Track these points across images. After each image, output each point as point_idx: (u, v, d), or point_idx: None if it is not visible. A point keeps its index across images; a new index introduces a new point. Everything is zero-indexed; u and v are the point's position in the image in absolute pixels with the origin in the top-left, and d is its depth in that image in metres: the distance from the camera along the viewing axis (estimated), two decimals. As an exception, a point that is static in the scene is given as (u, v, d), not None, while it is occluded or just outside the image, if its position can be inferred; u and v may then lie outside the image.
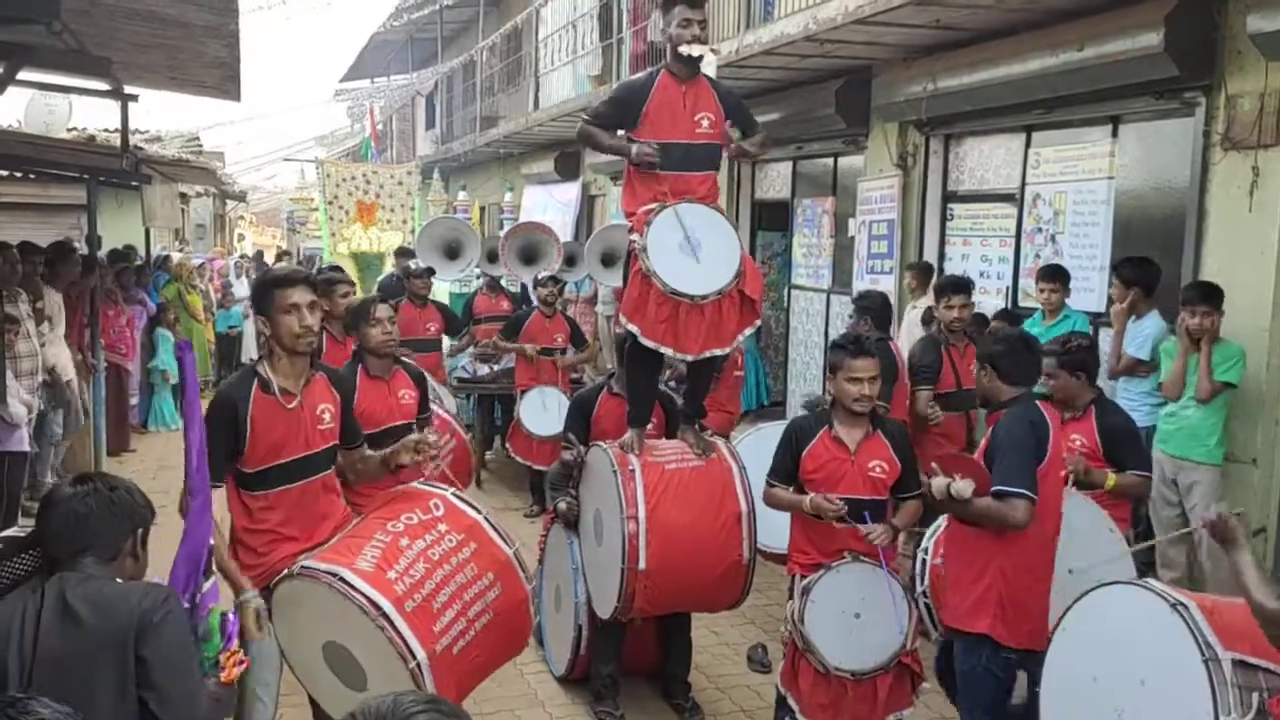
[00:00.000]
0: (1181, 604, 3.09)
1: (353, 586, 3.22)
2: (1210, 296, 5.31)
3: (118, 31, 6.20)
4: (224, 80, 7.78)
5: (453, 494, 3.70)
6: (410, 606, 3.27)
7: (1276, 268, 5.47)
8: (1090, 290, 6.81)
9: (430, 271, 9.44)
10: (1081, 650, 3.39)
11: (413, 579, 3.33)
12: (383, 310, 4.72)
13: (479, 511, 3.63)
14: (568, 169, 16.10)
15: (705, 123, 4.53)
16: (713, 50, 4.64)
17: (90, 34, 6.24)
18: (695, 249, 4.41)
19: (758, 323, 4.71)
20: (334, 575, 3.27)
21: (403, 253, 11.18)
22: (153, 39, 6.24)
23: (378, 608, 3.20)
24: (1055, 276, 6.28)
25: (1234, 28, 5.65)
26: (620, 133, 4.63)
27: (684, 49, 4.47)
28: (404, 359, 5.08)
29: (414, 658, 3.17)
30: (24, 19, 5.15)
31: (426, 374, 5.19)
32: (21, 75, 6.46)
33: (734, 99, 4.72)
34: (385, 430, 4.38)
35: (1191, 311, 5.29)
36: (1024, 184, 7.57)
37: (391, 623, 3.19)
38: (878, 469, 4.08)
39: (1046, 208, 7.39)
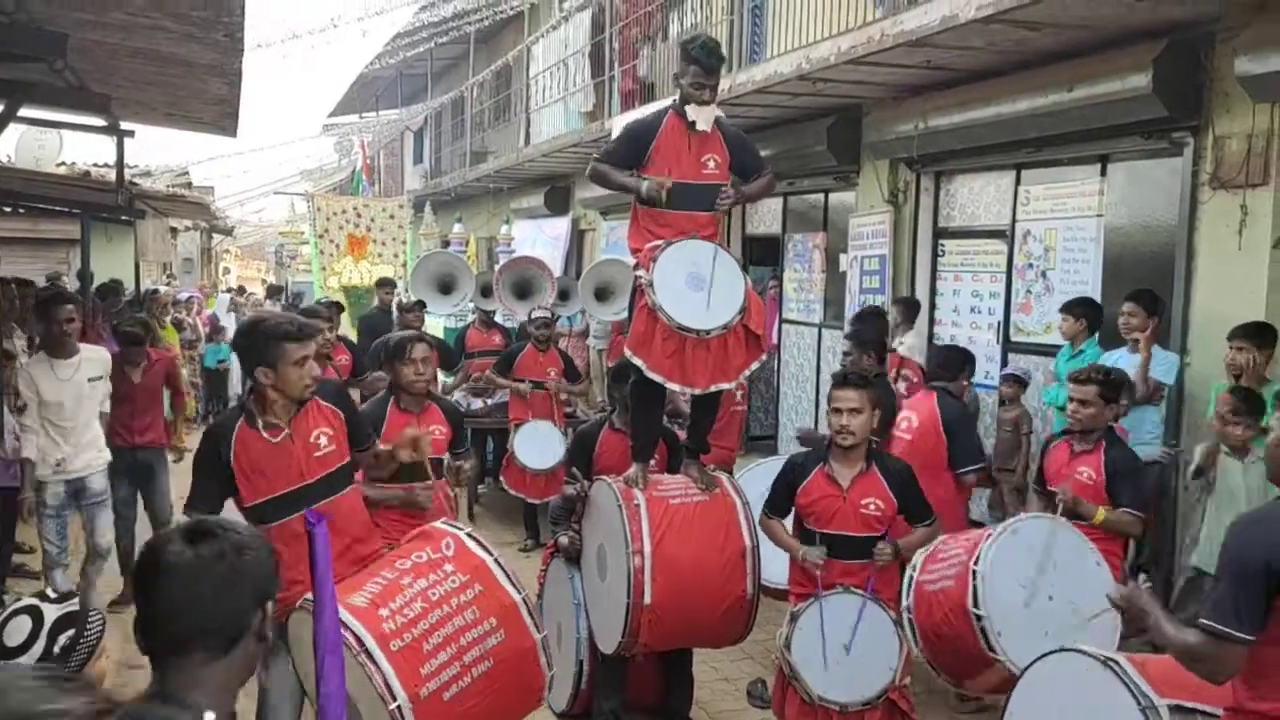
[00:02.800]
0: (1112, 659, 3.24)
1: (341, 622, 3.16)
2: (1255, 334, 5.24)
3: (119, 69, 6.24)
4: (222, 117, 7.83)
5: (467, 534, 3.64)
6: (397, 646, 3.19)
7: (1266, 305, 5.56)
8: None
9: (421, 305, 9.47)
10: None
11: (406, 618, 3.25)
12: (419, 350, 4.82)
13: (490, 553, 3.54)
14: (557, 204, 16.21)
15: (712, 164, 4.59)
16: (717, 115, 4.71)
17: (90, 71, 6.27)
18: (701, 284, 4.46)
19: (764, 357, 4.76)
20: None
21: (384, 284, 11.14)
22: (154, 76, 6.28)
23: (361, 643, 3.13)
24: (1072, 308, 6.28)
25: (1221, 70, 5.77)
26: (631, 171, 4.69)
27: (690, 112, 4.53)
28: (440, 396, 5.19)
29: (394, 699, 3.07)
30: (29, 57, 5.19)
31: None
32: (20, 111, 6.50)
33: (740, 140, 4.78)
34: (415, 464, 4.39)
35: (1230, 346, 5.27)
36: (1014, 221, 7.67)
37: (374, 660, 3.11)
38: (872, 506, 4.09)
39: (1037, 244, 7.49)
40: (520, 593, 3.46)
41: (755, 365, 4.68)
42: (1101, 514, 4.42)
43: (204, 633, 1.72)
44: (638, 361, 4.48)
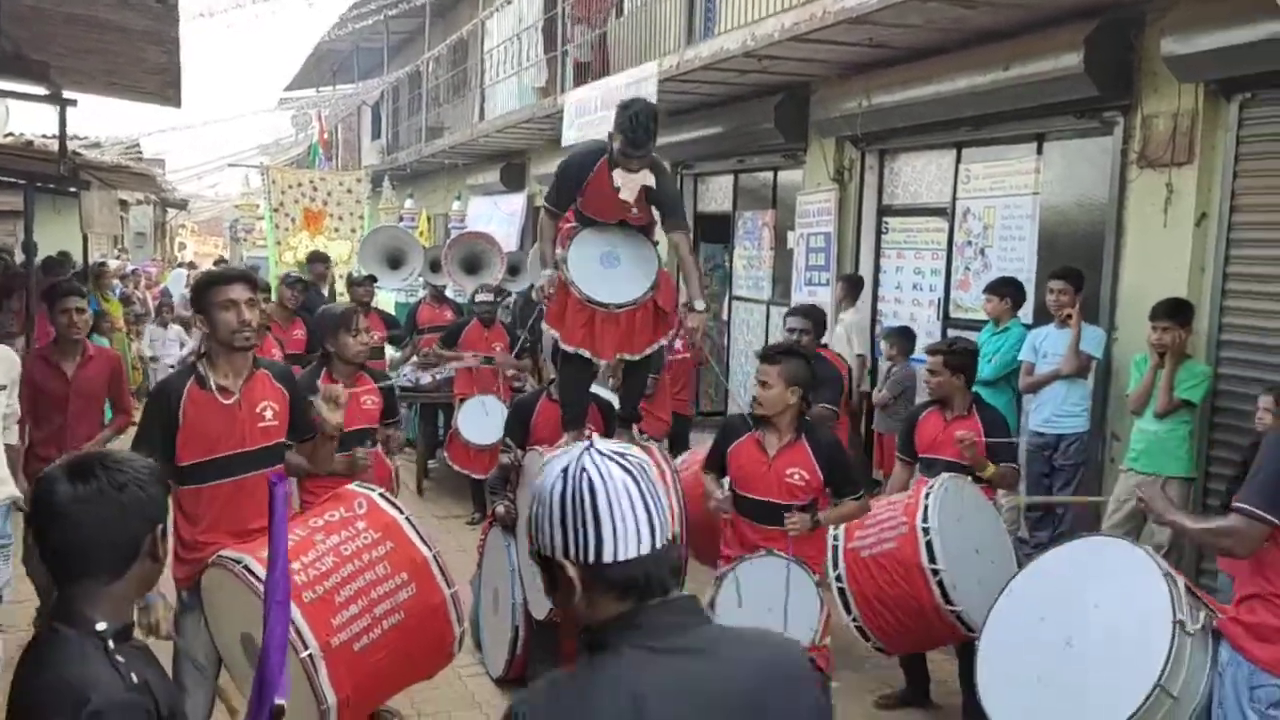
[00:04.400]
0: (1143, 546, 3.67)
1: (252, 573, 3.23)
2: (1174, 313, 5.42)
3: (56, 36, 6.20)
4: (164, 86, 7.79)
5: (379, 494, 3.74)
6: (309, 597, 3.26)
7: (1188, 280, 5.71)
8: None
9: (371, 279, 9.45)
10: (1028, 600, 3.71)
11: (318, 570, 3.34)
12: (364, 322, 4.98)
13: (401, 512, 3.66)
14: (513, 180, 16.17)
15: (635, 210, 4.70)
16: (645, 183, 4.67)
17: (27, 38, 6.23)
18: (614, 262, 4.67)
19: (672, 332, 4.94)
20: (238, 563, 3.32)
21: (316, 258, 11.08)
22: (92, 44, 6.24)
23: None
24: (997, 288, 6.52)
25: (1149, 50, 5.89)
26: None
27: (616, 178, 4.52)
28: (371, 368, 5.31)
29: (306, 648, 3.16)
30: (-41, 23, 5.15)
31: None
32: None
33: (663, 184, 4.74)
34: (347, 433, 4.43)
35: (1153, 327, 5.45)
36: (955, 199, 7.79)
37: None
38: (796, 476, 4.20)
39: (976, 222, 7.61)
40: (431, 550, 3.55)
41: (663, 340, 4.87)
42: (991, 468, 4.78)
43: (93, 562, 1.90)
44: (554, 333, 4.70)
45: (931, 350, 5.14)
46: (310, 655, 3.15)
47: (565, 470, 1.54)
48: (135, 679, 1.87)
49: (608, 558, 1.52)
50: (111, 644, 1.89)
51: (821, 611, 4.11)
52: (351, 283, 9.54)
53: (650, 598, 1.56)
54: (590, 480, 1.52)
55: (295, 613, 3.14)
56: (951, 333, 7.70)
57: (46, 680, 1.84)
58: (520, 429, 5.21)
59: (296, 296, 8.47)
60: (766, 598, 4.09)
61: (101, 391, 5.44)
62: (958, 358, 5.00)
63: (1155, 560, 3.44)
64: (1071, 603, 3.54)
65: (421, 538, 3.56)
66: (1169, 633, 3.17)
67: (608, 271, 4.60)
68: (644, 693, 1.47)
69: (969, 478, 4.74)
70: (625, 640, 1.53)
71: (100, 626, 1.89)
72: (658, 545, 1.55)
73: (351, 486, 3.81)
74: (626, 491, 1.52)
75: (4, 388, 4.63)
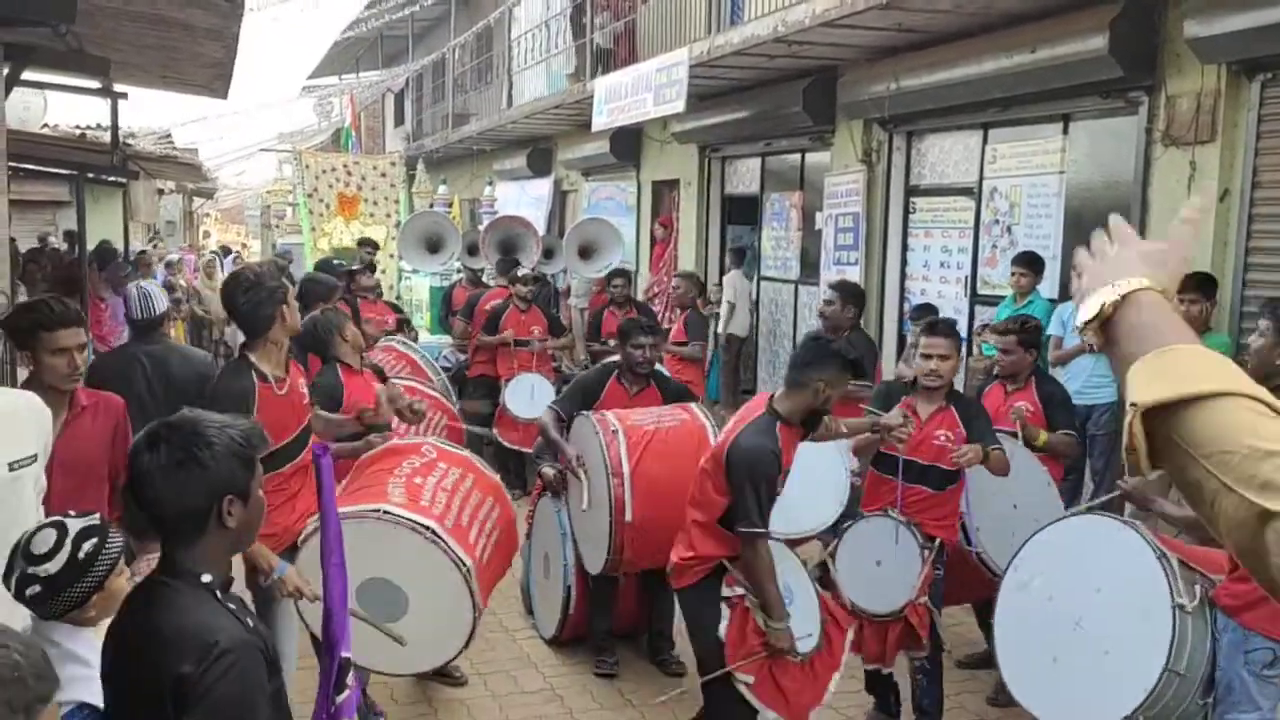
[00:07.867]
0: (1131, 522, 3.71)
1: (399, 516, 3.68)
2: (1200, 285, 5.55)
3: (119, 33, 6.44)
4: (214, 79, 8.04)
5: (434, 440, 4.30)
6: (449, 524, 3.79)
7: (1211, 257, 5.91)
8: (1044, 278, 7.21)
9: (371, 268, 9.49)
10: (1034, 579, 3.88)
11: (440, 505, 3.84)
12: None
13: (463, 451, 4.30)
14: (540, 165, 16.39)
15: None
16: None
17: (90, 35, 6.47)
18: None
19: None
20: (377, 511, 3.69)
21: (365, 243, 11.24)
22: (154, 40, 6.48)
23: (427, 528, 3.70)
24: (1028, 263, 6.70)
25: (1173, 32, 6.08)
26: None
27: None
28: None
29: (464, 565, 3.66)
30: (36, 21, 5.39)
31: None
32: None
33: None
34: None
35: (1179, 300, 5.61)
36: (982, 178, 7.99)
37: (441, 539, 3.70)
38: (943, 438, 4.38)
39: (1003, 201, 7.81)
40: (497, 474, 4.32)
41: None
42: (1044, 436, 4.91)
43: (170, 524, 2.08)
44: None
45: (1003, 330, 5.23)
46: (468, 569, 3.66)
47: None
48: (249, 623, 2.09)
49: None
50: (219, 594, 2.08)
51: (923, 571, 4.31)
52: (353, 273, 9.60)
53: None
54: None
55: (449, 539, 3.71)
56: (979, 309, 7.94)
57: (170, 629, 2.00)
58: (581, 403, 5.36)
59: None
60: (876, 552, 4.34)
61: (98, 458, 3.48)
62: (1031, 335, 5.13)
63: (1147, 542, 3.54)
64: (1075, 583, 3.70)
65: (488, 467, 4.26)
66: (1169, 617, 3.32)
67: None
68: None
69: (1022, 443, 4.93)
70: None
71: (206, 579, 2.06)
72: None
73: (403, 441, 4.27)
74: None
75: (34, 457, 3.00)
